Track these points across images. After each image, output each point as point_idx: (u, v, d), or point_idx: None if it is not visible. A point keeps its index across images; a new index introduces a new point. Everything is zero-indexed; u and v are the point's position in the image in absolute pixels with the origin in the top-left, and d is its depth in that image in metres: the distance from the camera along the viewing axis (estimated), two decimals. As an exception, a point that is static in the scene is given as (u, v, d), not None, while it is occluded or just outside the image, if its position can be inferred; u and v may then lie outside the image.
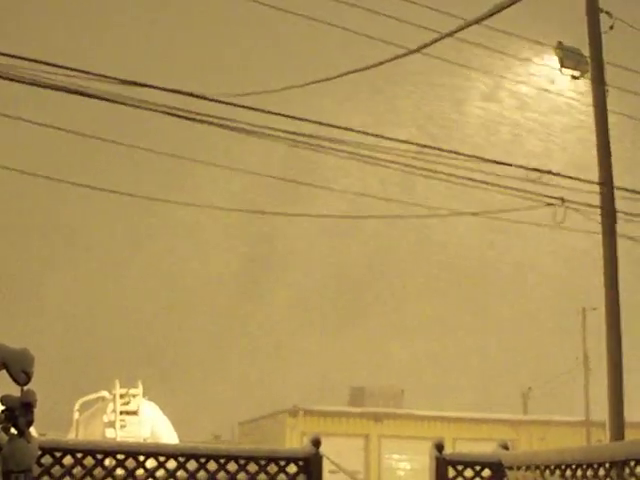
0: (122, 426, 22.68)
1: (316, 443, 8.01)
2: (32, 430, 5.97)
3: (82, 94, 10.22)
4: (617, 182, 15.25)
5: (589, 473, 7.22)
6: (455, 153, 12.81)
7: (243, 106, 10.78)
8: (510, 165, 13.69)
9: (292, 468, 7.98)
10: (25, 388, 5.32)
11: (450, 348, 64.22)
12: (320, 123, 11.77)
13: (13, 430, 5.54)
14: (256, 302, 66.76)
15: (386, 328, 65.20)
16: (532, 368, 58.06)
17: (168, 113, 10.69)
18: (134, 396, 23.28)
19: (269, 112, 10.77)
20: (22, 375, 5.09)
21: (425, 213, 17.78)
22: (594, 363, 43.05)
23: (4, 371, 5.26)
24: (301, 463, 8.00)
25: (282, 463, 7.96)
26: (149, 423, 23.11)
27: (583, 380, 45.58)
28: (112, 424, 22.81)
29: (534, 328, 63.17)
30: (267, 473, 7.91)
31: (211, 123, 11.03)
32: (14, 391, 5.45)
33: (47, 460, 7.50)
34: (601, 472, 7.07)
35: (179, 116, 10.76)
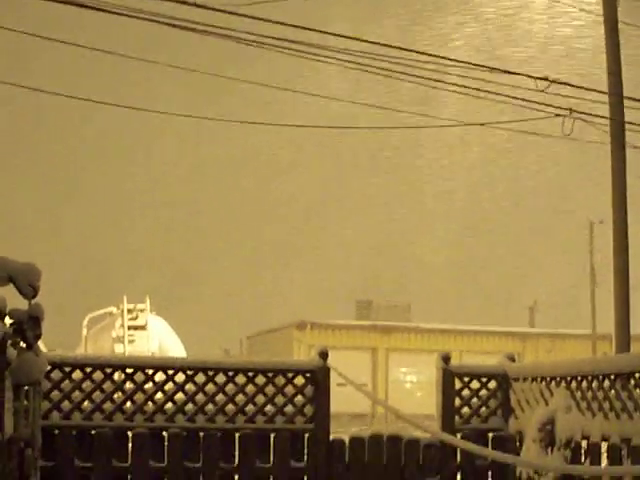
0: (130, 341, 22.87)
1: (323, 355, 8.05)
2: (41, 345, 6.01)
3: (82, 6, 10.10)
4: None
5: (594, 384, 7.27)
6: (463, 62, 12.67)
7: (244, 15, 10.66)
8: (518, 74, 13.55)
9: (300, 380, 8.04)
10: (33, 302, 5.33)
11: (457, 262, 64.38)
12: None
13: (22, 344, 5.56)
14: (264, 216, 66.80)
15: (393, 240, 65.26)
16: (539, 282, 58.26)
17: (168, 24, 10.56)
18: (142, 311, 23.43)
19: (269, 21, 10.63)
20: (29, 289, 5.10)
21: (434, 123, 17.67)
22: (601, 277, 43.17)
23: (11, 286, 5.27)
24: (309, 375, 8.05)
25: (290, 375, 8.01)
26: (157, 337, 23.30)
27: (590, 294, 45.73)
28: (120, 339, 22.99)
29: (541, 242, 63.26)
30: (275, 385, 7.97)
31: (214, 34, 10.90)
32: (22, 306, 5.46)
33: (56, 375, 7.56)
34: (606, 383, 7.11)
35: (181, 27, 10.64)
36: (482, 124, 17.64)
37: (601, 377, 7.15)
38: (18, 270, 5.02)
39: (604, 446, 7.10)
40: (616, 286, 15.81)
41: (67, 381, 7.61)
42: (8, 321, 5.36)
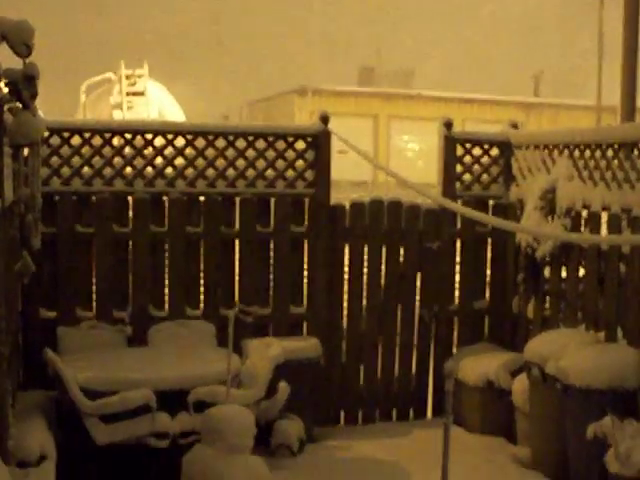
0: (129, 107, 22.59)
1: (324, 119, 7.96)
2: (39, 112, 5.89)
3: None
4: None
5: (597, 154, 7.21)
6: None
7: None
8: None
9: (300, 144, 7.99)
10: (27, 61, 5.17)
11: (462, 30, 63.35)
12: None
13: (18, 105, 5.45)
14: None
15: (396, 13, 64.02)
16: (546, 51, 57.44)
17: None
18: (140, 77, 23.02)
19: None
20: (23, 47, 4.92)
21: None
22: (610, 50, 42.37)
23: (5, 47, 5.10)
24: (310, 139, 7.99)
25: (290, 139, 7.95)
26: (156, 104, 23.01)
27: (597, 64, 45.01)
28: (119, 106, 22.70)
29: (550, 12, 62.00)
30: (275, 150, 7.93)
31: None
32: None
33: (55, 141, 7.50)
34: (609, 153, 7.05)
35: None
36: None
37: (604, 146, 7.09)
38: (11, 28, 4.83)
39: (604, 216, 7.12)
40: (624, 56, 15.55)
41: (66, 147, 7.55)
42: (3, 82, 5.22)
